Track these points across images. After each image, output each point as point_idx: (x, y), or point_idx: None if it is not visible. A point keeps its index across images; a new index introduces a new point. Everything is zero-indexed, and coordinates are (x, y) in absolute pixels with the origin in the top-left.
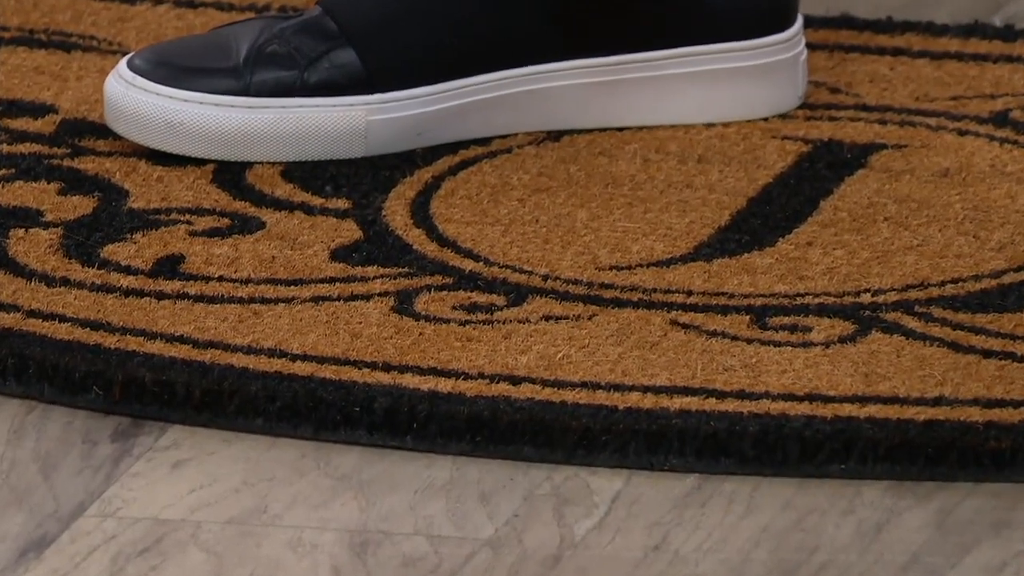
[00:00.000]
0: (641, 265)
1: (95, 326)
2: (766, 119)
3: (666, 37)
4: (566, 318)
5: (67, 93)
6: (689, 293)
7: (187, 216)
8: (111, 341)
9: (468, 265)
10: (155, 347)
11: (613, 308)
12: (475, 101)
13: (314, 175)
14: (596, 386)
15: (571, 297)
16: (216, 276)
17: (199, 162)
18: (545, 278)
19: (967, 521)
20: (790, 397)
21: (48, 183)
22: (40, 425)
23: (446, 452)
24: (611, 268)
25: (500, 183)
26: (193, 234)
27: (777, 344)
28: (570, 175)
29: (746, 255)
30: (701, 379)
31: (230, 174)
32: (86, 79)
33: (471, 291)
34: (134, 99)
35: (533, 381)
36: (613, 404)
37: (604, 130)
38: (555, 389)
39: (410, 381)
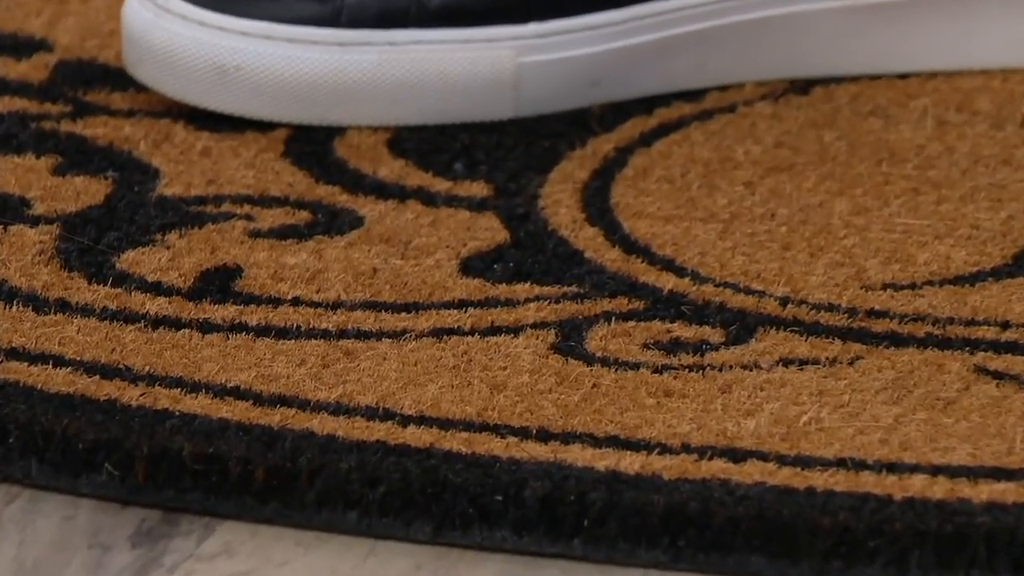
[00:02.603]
0: (931, 283)
1: (108, 372)
2: None
3: None
4: (815, 362)
5: (66, 21)
6: (1004, 326)
7: (246, 208)
8: (132, 395)
9: (668, 282)
10: (197, 404)
11: (887, 348)
12: (678, 35)
13: (437, 146)
14: (860, 465)
15: (823, 330)
16: (289, 298)
17: (264, 126)
18: (784, 302)
19: None
20: None
21: (38, 157)
22: (26, 521)
23: (632, 563)
24: (885, 287)
25: (717, 158)
26: (255, 234)
27: None
28: (824, 146)
29: None
30: (1023, 455)
31: (311, 144)
32: (94, 0)
33: (672, 321)
34: (168, 32)
35: (765, 457)
36: (886, 493)
37: (875, 78)
38: (797, 469)
39: (579, 456)
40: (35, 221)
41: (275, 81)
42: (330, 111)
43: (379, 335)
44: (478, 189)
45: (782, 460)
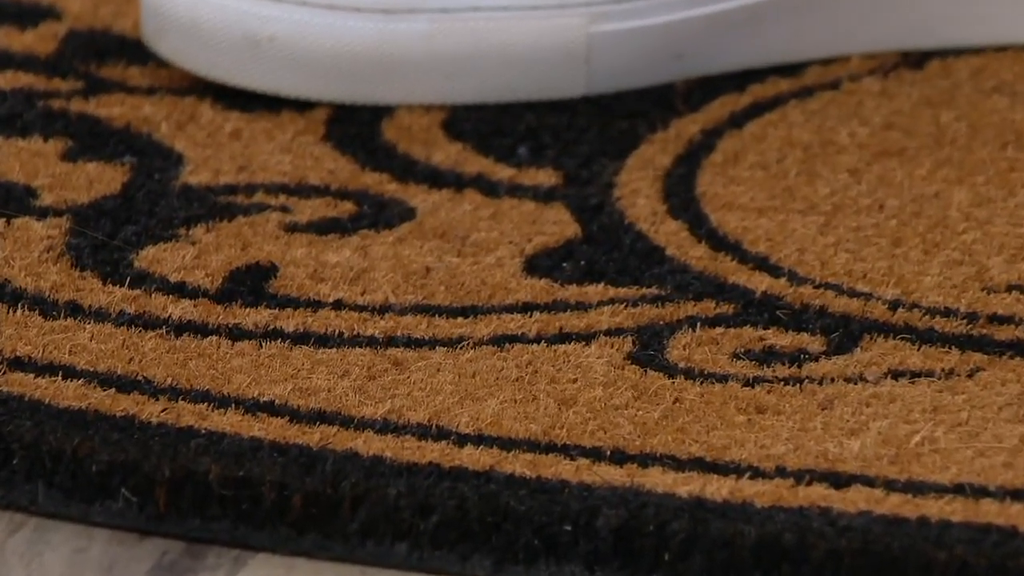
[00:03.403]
0: None
1: (125, 385)
2: None
3: None
4: (929, 375)
5: None
6: None
7: (281, 198)
8: (152, 411)
9: (761, 283)
10: (226, 421)
11: (1012, 358)
12: (772, 0)
13: (499, 128)
14: (981, 491)
15: (938, 338)
16: (330, 301)
17: (302, 106)
18: (894, 305)
19: None
20: None
21: (45, 140)
22: (32, 554)
23: None
24: (1009, 289)
25: (819, 141)
26: (291, 229)
27: None
28: (940, 128)
29: None
30: None
31: (355, 126)
32: None
33: (765, 327)
34: None
35: (871, 482)
36: (1010, 524)
37: (1000, 50)
38: (909, 496)
39: (659, 481)
40: (43, 213)
41: (313, 54)
42: (375, 88)
43: (432, 343)
44: (545, 177)
45: (891, 486)
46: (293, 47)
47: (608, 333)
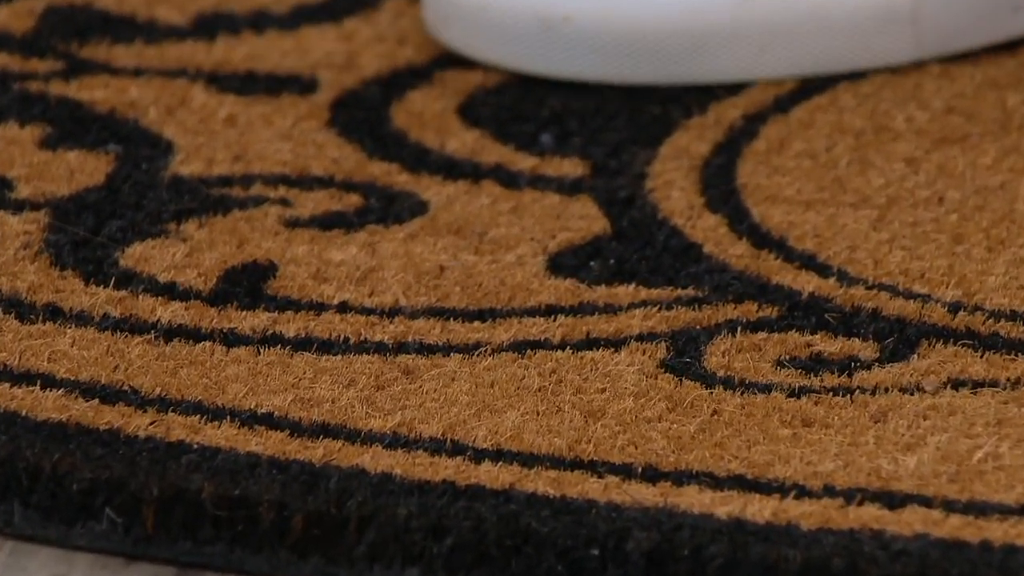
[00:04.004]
0: None
1: (110, 395)
2: None
3: None
4: (993, 384)
5: None
6: None
7: (281, 190)
8: (139, 424)
9: (808, 283)
10: (221, 435)
11: None
12: None
13: (520, 113)
14: None
15: (1003, 344)
16: (335, 303)
17: (303, 88)
18: (954, 308)
19: None
20: None
21: (22, 127)
22: None
23: None
24: None
25: (872, 127)
26: (292, 224)
27: None
28: (1006, 112)
29: None
30: None
31: (362, 110)
32: None
33: (813, 332)
34: None
35: (928, 502)
36: None
37: None
38: (970, 518)
39: (695, 501)
40: (19, 206)
41: (612, 33)
42: (682, 67)
43: (446, 349)
44: (570, 167)
45: (950, 506)
46: (590, 27)
47: (639, 339)
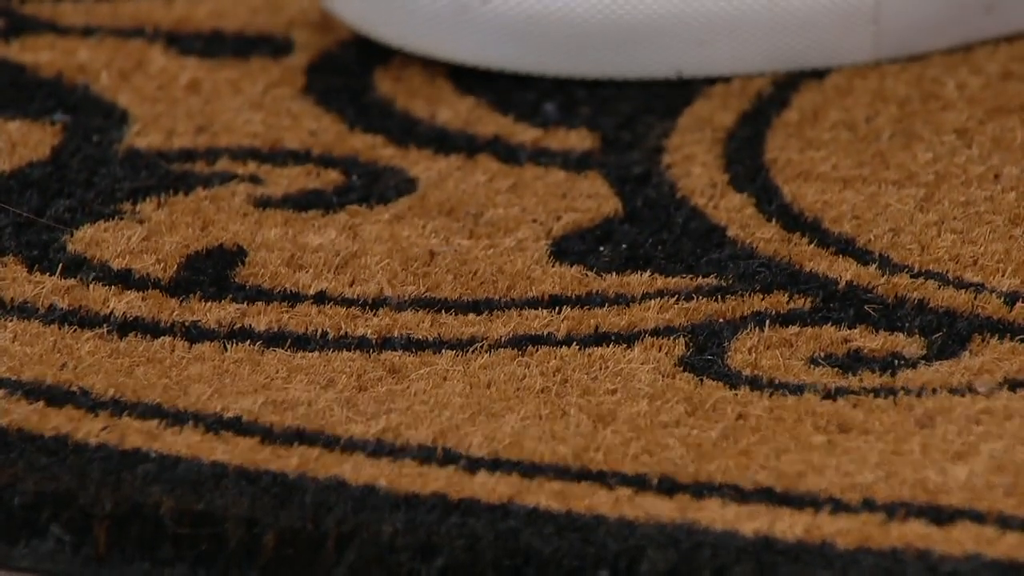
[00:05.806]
0: None
1: (56, 397)
2: None
3: None
4: None
5: None
6: None
7: (251, 166)
8: (90, 429)
9: (845, 270)
10: (181, 442)
11: None
12: None
13: (520, 80)
14: None
15: None
16: (311, 293)
17: (275, 50)
18: (1012, 299)
19: None
20: None
21: None
22: None
23: None
24: None
25: (918, 95)
26: (263, 204)
27: None
28: None
29: None
30: None
31: (342, 76)
32: None
33: (851, 326)
34: None
35: (981, 518)
36: None
37: None
38: None
39: (717, 516)
40: None
41: (534, 21)
42: (606, 59)
43: (437, 345)
44: (577, 140)
45: (1006, 523)
46: (510, 13)
47: (655, 333)
